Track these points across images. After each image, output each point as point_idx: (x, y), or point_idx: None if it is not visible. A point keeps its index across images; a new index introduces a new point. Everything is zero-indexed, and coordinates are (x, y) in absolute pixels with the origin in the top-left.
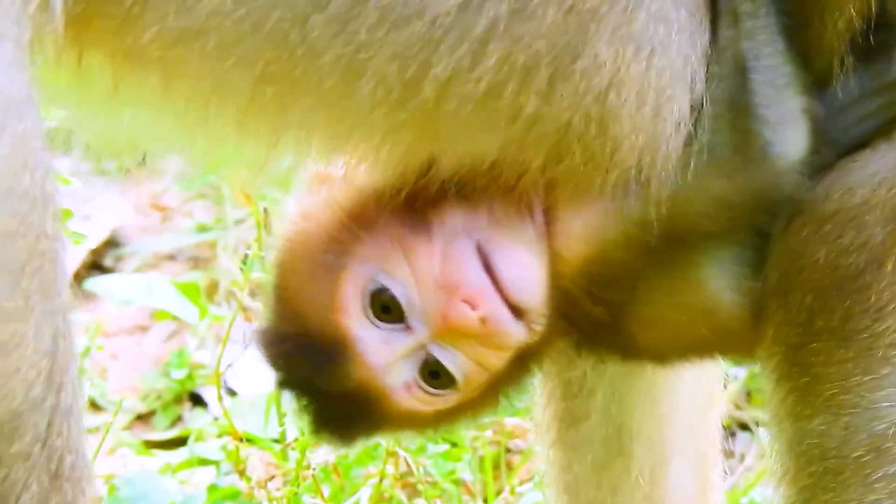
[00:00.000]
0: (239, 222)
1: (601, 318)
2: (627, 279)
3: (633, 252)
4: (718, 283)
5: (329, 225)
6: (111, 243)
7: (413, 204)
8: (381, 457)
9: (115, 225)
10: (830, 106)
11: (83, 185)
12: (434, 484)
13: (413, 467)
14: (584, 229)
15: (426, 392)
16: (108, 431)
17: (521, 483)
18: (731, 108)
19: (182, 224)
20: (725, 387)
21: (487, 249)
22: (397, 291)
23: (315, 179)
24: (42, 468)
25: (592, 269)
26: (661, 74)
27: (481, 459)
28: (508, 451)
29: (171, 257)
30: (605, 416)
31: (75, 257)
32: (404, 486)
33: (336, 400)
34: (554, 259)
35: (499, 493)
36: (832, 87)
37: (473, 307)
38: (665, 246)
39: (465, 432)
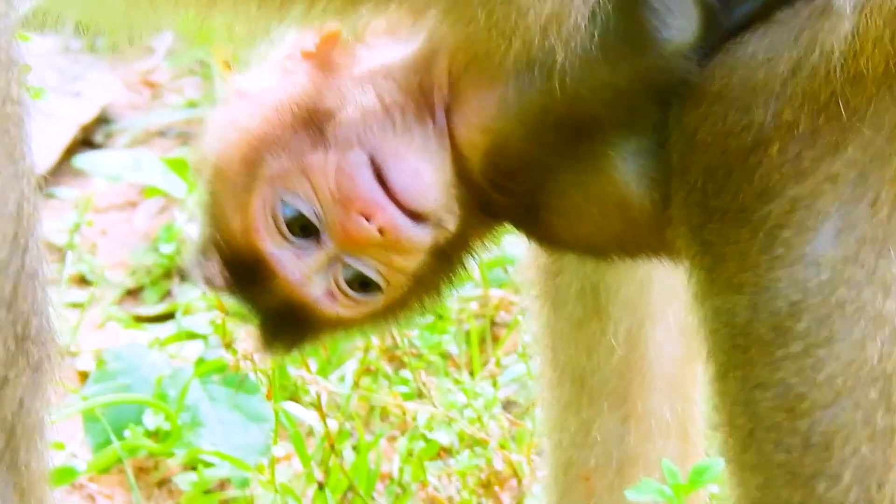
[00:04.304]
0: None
1: (516, 210)
2: (531, 169)
3: (533, 141)
4: (627, 175)
5: (238, 146)
6: (101, 120)
7: (310, 119)
8: None
9: (105, 102)
10: None
11: (73, 62)
12: (420, 356)
13: (398, 340)
14: (483, 120)
15: (351, 298)
16: (87, 305)
17: (507, 355)
18: None
19: (172, 100)
20: None
21: (380, 158)
22: (304, 209)
23: (229, 94)
24: (8, 331)
25: (494, 160)
26: None
27: (467, 332)
28: (494, 323)
29: (161, 133)
30: (578, 272)
31: (65, 134)
32: (390, 359)
33: (271, 312)
34: (457, 155)
35: (484, 364)
36: None
37: (369, 219)
38: (570, 136)
39: (451, 305)
